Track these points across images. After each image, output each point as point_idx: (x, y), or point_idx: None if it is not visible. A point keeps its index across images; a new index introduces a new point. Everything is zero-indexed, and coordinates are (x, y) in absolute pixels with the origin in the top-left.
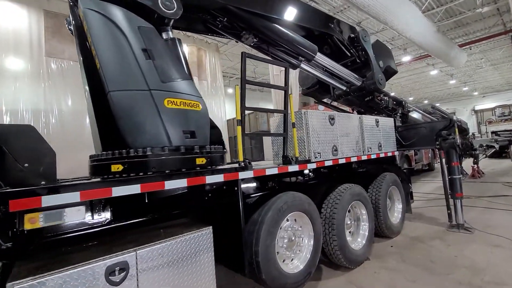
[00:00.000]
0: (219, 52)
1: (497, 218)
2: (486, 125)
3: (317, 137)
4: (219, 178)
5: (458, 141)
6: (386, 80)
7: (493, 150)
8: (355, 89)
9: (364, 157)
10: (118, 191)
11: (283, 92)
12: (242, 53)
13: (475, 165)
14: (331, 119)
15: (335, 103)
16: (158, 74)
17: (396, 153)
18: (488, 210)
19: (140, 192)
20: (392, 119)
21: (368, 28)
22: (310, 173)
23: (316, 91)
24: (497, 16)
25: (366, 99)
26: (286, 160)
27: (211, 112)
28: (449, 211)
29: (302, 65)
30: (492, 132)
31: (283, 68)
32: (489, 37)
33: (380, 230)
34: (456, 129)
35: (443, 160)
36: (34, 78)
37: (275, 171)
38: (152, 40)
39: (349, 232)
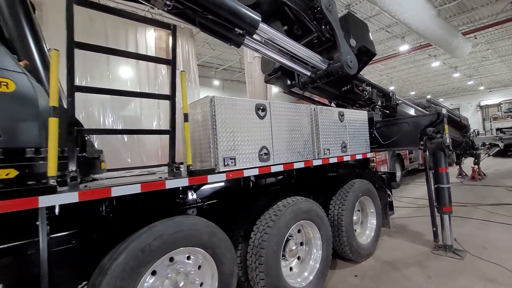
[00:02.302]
0: (193, 38)
1: (496, 235)
2: (491, 121)
3: (231, 136)
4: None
5: (448, 141)
6: (364, 64)
7: (497, 149)
8: (322, 74)
9: (317, 162)
10: None
11: (259, 82)
12: None
13: (476, 166)
14: (260, 110)
15: (308, 94)
16: None
17: (370, 154)
18: (486, 224)
19: None
20: (365, 112)
21: (360, 12)
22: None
23: (279, 78)
24: (506, 0)
25: (344, 89)
26: (173, 171)
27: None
28: (434, 229)
29: (249, 43)
30: (497, 129)
31: (258, 55)
32: (496, 24)
33: (344, 254)
34: (446, 126)
35: (428, 164)
36: None
37: (134, 189)
38: None
39: (289, 266)
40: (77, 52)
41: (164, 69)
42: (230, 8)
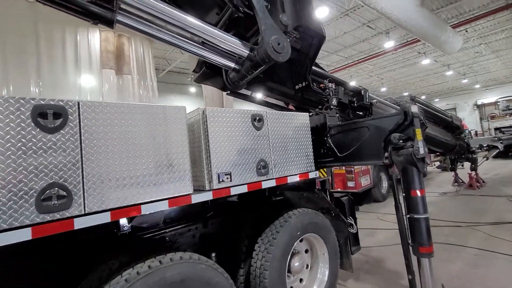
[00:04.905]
0: (151, 41)
1: (498, 276)
2: (488, 120)
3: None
4: None
5: (422, 151)
6: (315, 52)
7: (496, 151)
8: (249, 65)
9: (198, 198)
10: None
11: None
12: None
13: (473, 172)
14: (47, 115)
15: (262, 97)
16: None
17: (314, 174)
18: (485, 256)
19: None
20: (306, 114)
21: (338, 6)
22: None
23: (208, 75)
24: None
25: (298, 87)
26: None
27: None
28: (410, 277)
29: (126, 20)
30: (496, 129)
31: None
32: (486, 14)
33: None
34: (418, 130)
35: (396, 184)
36: None
37: None
38: None
39: None
40: None
41: (112, 75)
42: None
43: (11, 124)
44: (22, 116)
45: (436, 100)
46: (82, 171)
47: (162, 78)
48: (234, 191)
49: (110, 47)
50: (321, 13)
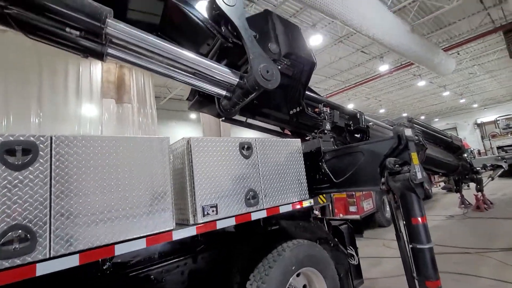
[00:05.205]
0: None
1: None
2: (490, 139)
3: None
4: None
5: (420, 175)
6: (307, 78)
7: (501, 170)
8: (239, 93)
9: (180, 235)
10: None
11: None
12: None
13: (480, 193)
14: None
15: (257, 123)
16: None
17: (308, 203)
18: (500, 286)
19: None
20: (298, 140)
21: (331, 34)
22: None
23: (202, 103)
24: (483, 12)
25: (292, 112)
26: None
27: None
28: None
29: (116, 53)
30: (498, 148)
31: None
32: (475, 38)
33: None
34: (414, 154)
35: (396, 212)
36: None
37: None
38: None
39: None
40: None
41: (112, 104)
42: None
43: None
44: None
45: (436, 120)
46: (50, 210)
47: (163, 105)
48: (221, 224)
49: (111, 78)
50: (315, 40)
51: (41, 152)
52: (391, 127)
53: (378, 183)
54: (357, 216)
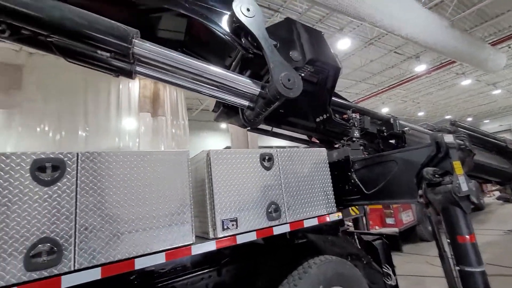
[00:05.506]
0: None
1: None
2: None
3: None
4: None
5: (465, 187)
6: (332, 84)
7: None
8: (262, 103)
9: (199, 249)
10: None
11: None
12: None
13: None
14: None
15: (283, 131)
16: None
17: (336, 216)
18: None
19: None
20: (323, 149)
21: (361, 37)
22: None
23: (227, 114)
24: None
25: (319, 120)
26: None
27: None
28: None
29: (144, 70)
30: None
31: None
32: None
33: None
34: (457, 163)
35: (437, 228)
36: None
37: None
38: None
39: None
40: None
41: (148, 117)
42: (91, 24)
43: (10, 179)
44: (21, 171)
45: (486, 121)
46: (75, 223)
47: (195, 117)
48: (241, 239)
49: (147, 93)
50: (343, 44)
51: (68, 168)
52: (430, 132)
53: (415, 195)
54: (395, 229)
